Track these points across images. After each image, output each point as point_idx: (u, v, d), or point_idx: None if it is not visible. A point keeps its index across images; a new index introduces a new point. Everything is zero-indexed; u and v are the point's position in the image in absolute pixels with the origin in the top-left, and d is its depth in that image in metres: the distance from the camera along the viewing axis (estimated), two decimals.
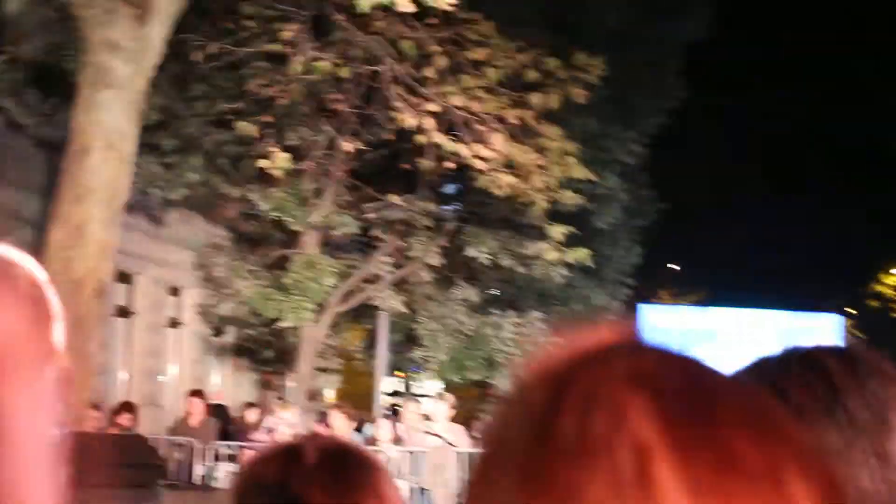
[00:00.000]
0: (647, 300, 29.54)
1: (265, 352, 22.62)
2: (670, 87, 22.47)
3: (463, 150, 13.52)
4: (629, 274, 25.93)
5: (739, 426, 0.70)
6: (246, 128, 14.49)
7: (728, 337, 28.03)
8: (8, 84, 15.61)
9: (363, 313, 21.75)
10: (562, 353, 0.75)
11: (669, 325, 28.52)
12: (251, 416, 16.90)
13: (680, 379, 0.73)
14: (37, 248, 13.61)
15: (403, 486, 12.96)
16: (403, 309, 20.36)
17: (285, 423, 14.31)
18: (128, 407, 15.29)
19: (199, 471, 14.42)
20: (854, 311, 32.63)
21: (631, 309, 27.68)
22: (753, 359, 1.45)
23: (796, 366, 1.36)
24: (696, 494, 0.67)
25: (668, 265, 34.03)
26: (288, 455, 1.59)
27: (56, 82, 14.97)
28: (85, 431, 11.36)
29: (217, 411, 17.99)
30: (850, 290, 32.12)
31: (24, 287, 1.33)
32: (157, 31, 11.48)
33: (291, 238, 18.90)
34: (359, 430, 16.75)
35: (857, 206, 31.77)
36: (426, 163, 14.30)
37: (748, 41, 30.63)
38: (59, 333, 1.37)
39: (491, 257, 19.42)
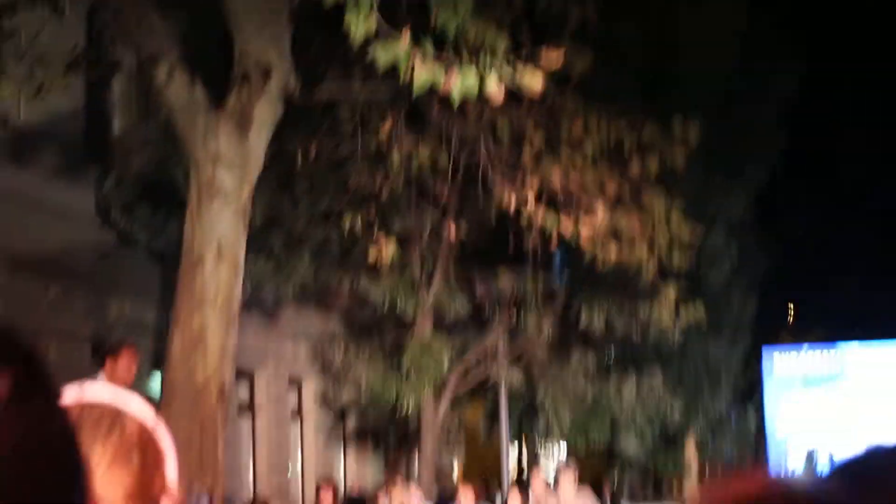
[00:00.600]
0: (769, 345, 29.05)
1: (389, 435, 22.70)
2: (770, 141, 22.28)
3: (566, 224, 13.50)
4: (747, 324, 25.55)
5: None
6: (350, 221, 14.65)
7: (856, 374, 27.46)
8: (119, 200, 16.02)
9: (482, 389, 21.74)
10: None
11: (795, 369, 28.03)
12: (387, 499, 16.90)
13: None
14: (157, 357, 13.90)
15: None
16: (521, 381, 20.31)
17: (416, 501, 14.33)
18: (261, 502, 15.40)
19: None
20: None
21: (754, 356, 27.27)
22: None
23: None
24: None
25: (788, 307, 33.50)
26: None
27: (164, 196, 15.33)
28: None
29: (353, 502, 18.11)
30: None
31: (134, 433, 1.38)
32: (259, 141, 11.70)
33: (405, 323, 19.01)
34: (489, 501, 16.75)
35: None
36: (531, 239, 14.30)
37: (843, 87, 30.30)
38: (171, 470, 1.41)
39: (605, 324, 19.31)
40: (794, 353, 28.83)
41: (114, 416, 1.35)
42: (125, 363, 9.05)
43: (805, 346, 29.15)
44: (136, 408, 1.43)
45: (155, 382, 15.29)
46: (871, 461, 1.38)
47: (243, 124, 11.52)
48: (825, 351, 28.67)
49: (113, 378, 8.88)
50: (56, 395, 0.92)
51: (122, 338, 9.67)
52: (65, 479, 0.89)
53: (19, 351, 0.90)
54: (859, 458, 1.38)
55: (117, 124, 16.78)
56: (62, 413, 0.92)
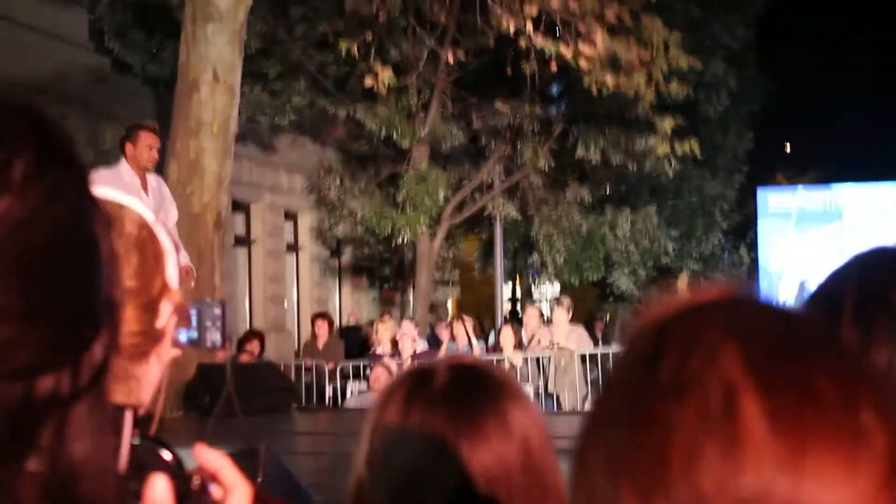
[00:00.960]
0: (764, 184, 29.07)
1: (383, 269, 22.86)
2: None
3: (564, 50, 13.37)
4: (743, 160, 25.52)
5: (820, 366, 0.79)
6: (347, 46, 14.49)
7: (854, 214, 27.54)
8: (112, 24, 15.83)
9: (478, 223, 21.82)
10: (668, 306, 0.86)
11: (790, 209, 28.11)
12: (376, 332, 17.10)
13: (768, 327, 0.83)
14: None
15: (529, 390, 13.08)
16: (517, 215, 20.38)
17: (408, 337, 14.45)
18: (255, 335, 15.59)
19: (328, 391, 14.68)
20: None
21: (748, 194, 27.32)
22: (854, 255, 1.42)
23: None
24: (777, 423, 0.76)
25: (784, 146, 33.45)
26: (414, 381, 1.61)
27: (159, 20, 15.13)
28: (217, 362, 11.64)
29: (348, 332, 18.32)
30: None
31: (133, 233, 1.36)
32: None
33: (401, 154, 18.97)
34: (483, 336, 16.92)
35: None
36: (529, 66, 14.17)
37: None
38: (171, 270, 1.40)
39: (601, 156, 19.29)
40: (788, 193, 28.85)
41: (113, 212, 1.32)
42: (145, 144, 9.07)
43: (800, 187, 29.16)
44: (136, 206, 1.41)
45: None
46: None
47: None
48: (820, 191, 28.69)
49: (135, 162, 9.03)
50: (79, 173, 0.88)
51: (138, 122, 9.52)
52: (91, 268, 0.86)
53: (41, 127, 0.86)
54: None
55: None
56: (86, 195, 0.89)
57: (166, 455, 1.35)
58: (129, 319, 1.30)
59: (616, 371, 0.87)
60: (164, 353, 1.37)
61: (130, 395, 1.33)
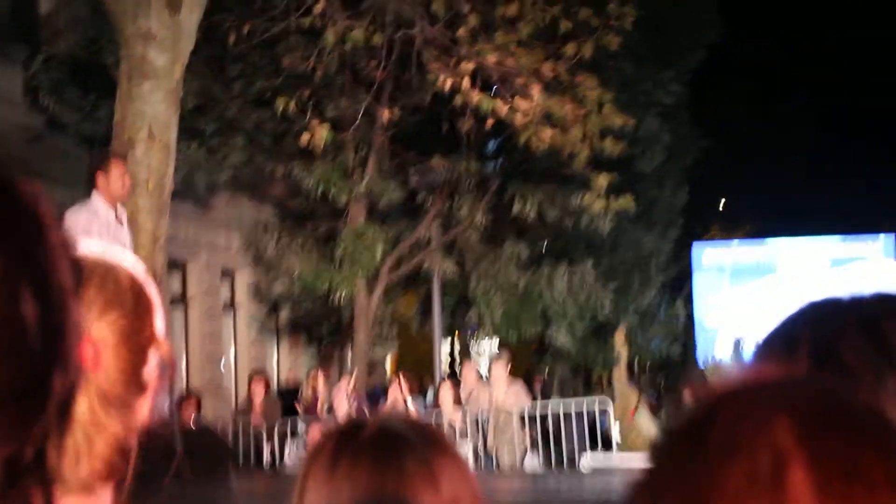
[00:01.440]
0: (699, 238, 29.37)
1: (322, 327, 22.75)
2: (706, 24, 22.23)
3: (500, 106, 13.48)
4: (678, 214, 25.76)
5: (867, 442, 0.81)
6: (284, 104, 14.52)
7: (787, 267, 27.88)
8: (47, 82, 15.73)
9: (415, 279, 21.81)
10: (722, 385, 0.90)
11: (725, 264, 28.41)
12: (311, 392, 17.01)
13: (822, 402, 0.85)
14: None
15: (467, 448, 13.01)
16: (455, 271, 20.40)
17: (343, 396, 14.40)
18: (191, 396, 15.43)
19: (266, 453, 14.52)
20: None
21: (684, 248, 27.58)
22: (807, 304, 1.42)
23: (852, 327, 1.32)
24: (824, 495, 0.78)
25: (719, 201, 33.85)
26: (342, 435, 1.60)
27: (94, 78, 15.06)
28: (152, 425, 11.48)
29: (286, 392, 18.19)
30: None
31: (126, 283, 1.37)
32: (190, 18, 11.53)
33: (339, 211, 18.95)
34: (422, 393, 16.87)
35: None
36: (466, 123, 14.27)
37: None
38: (160, 323, 1.41)
39: (538, 212, 19.40)
40: (723, 247, 29.19)
41: (108, 266, 1.32)
42: (117, 175, 9.00)
43: (735, 241, 29.52)
44: (128, 260, 1.42)
45: None
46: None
47: (175, 1, 11.33)
48: (754, 245, 29.05)
49: (108, 193, 8.94)
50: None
51: (108, 151, 9.75)
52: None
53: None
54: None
55: (45, 2, 16.41)
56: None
57: None
58: (116, 368, 1.30)
59: (668, 436, 0.89)
60: (145, 408, 1.37)
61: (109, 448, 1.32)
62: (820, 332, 1.34)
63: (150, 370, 1.36)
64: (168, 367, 1.35)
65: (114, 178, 8.86)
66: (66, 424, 0.89)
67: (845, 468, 0.79)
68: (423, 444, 1.59)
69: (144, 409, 1.34)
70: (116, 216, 8.90)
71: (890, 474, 0.79)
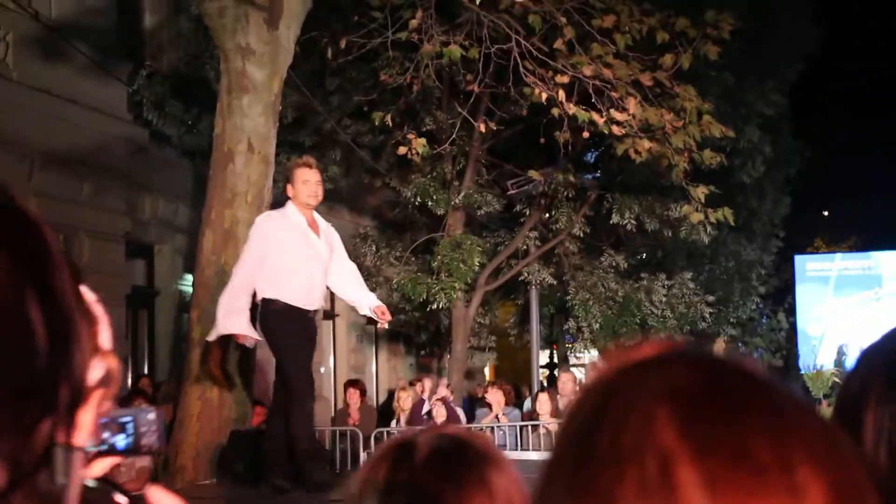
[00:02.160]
0: (801, 250, 28.97)
1: (420, 336, 22.86)
2: (805, 33, 21.92)
3: (597, 118, 13.42)
4: (779, 226, 25.44)
5: (754, 424, 0.79)
6: (381, 117, 14.64)
7: (892, 279, 27.35)
8: (151, 96, 16.07)
9: (513, 289, 21.83)
10: (609, 367, 0.89)
11: (828, 277, 27.95)
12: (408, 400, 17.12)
13: (703, 386, 0.83)
14: (190, 255, 14.03)
15: None
16: (552, 281, 20.38)
17: (442, 402, 14.46)
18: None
19: (363, 459, 14.64)
20: None
21: (786, 260, 27.22)
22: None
23: None
24: (714, 491, 0.76)
25: (821, 211, 33.33)
26: (399, 452, 1.62)
27: (196, 92, 15.34)
28: (250, 429, 11.66)
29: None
30: None
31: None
32: (288, 33, 11.69)
33: (436, 221, 19.05)
34: (519, 403, 16.85)
35: None
36: (562, 134, 14.23)
37: None
38: (105, 334, 1.46)
39: (636, 222, 19.33)
40: (826, 261, 28.73)
41: None
42: (300, 181, 8.79)
43: (838, 254, 29.04)
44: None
45: (188, 281, 15.46)
46: None
47: (273, 17, 11.50)
48: (859, 259, 28.54)
49: (297, 200, 8.80)
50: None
51: (296, 159, 9.44)
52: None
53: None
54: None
55: (148, 19, 16.76)
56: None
57: (121, 499, 1.37)
58: None
59: (560, 440, 0.88)
60: (87, 418, 1.41)
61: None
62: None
63: (93, 380, 1.40)
64: (112, 379, 1.38)
65: (297, 184, 8.75)
66: (74, 427, 0.95)
67: (732, 455, 0.77)
68: (476, 458, 1.61)
69: (87, 419, 1.38)
70: (311, 224, 8.74)
71: (780, 454, 0.78)
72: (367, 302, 9.16)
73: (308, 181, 8.69)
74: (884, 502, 0.81)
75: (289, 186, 8.79)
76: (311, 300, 8.63)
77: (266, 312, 8.67)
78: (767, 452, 0.78)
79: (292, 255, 8.56)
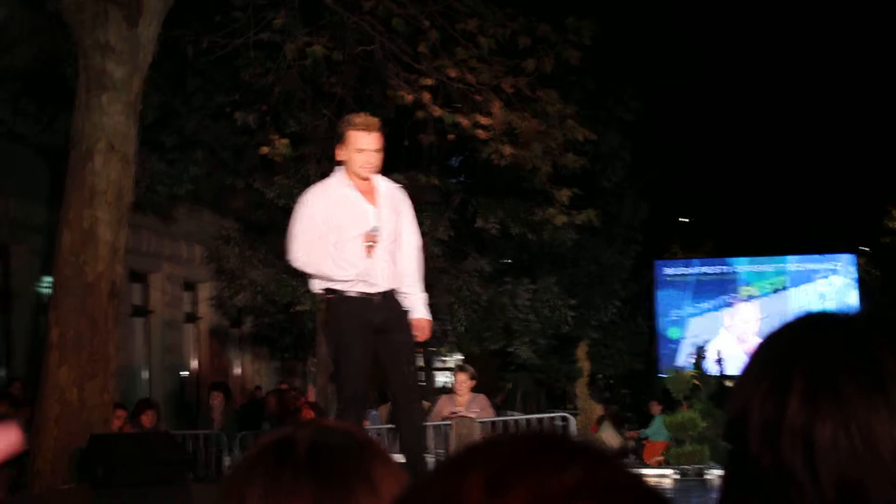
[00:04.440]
0: (659, 255, 29.52)
1: (284, 338, 22.73)
2: (665, 42, 22.39)
3: (462, 120, 13.52)
4: (639, 231, 25.91)
5: None
6: (243, 118, 14.52)
7: (749, 286, 28.09)
8: (4, 94, 15.68)
9: None
10: None
11: (688, 277, 28.59)
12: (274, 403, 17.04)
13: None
14: (47, 255, 13.73)
15: (430, 460, 13.00)
16: None
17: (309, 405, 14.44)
18: (148, 404, 15.41)
19: (227, 462, 14.54)
20: (867, 249, 32.58)
21: (645, 264, 27.72)
22: (797, 321, 1.39)
23: (851, 357, 1.30)
24: None
25: (678, 217, 34.00)
26: (279, 447, 1.57)
27: (52, 89, 15.02)
28: (111, 432, 11.48)
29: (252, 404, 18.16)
30: (861, 228, 32.03)
31: None
32: (149, 31, 11.52)
33: None
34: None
35: (860, 144, 31.54)
36: (427, 137, 14.30)
37: None
38: None
39: (500, 226, 19.47)
40: (684, 267, 29.35)
41: None
42: (353, 148, 7.14)
43: (695, 261, 29.68)
44: None
45: (45, 282, 15.14)
46: None
47: (133, 13, 11.32)
48: (715, 265, 29.23)
49: (349, 168, 7.21)
50: None
51: (349, 117, 7.41)
52: None
53: None
54: None
55: (0, 12, 16.36)
56: None
57: None
58: None
59: None
60: None
61: None
62: (816, 358, 1.31)
63: None
64: None
65: (350, 151, 7.13)
66: None
67: None
68: (360, 453, 1.58)
69: None
70: (367, 192, 7.22)
71: None
72: (409, 304, 7.44)
73: (364, 150, 7.14)
74: None
75: (340, 148, 7.22)
76: (371, 283, 7.14)
77: (327, 307, 7.41)
78: None
79: (341, 233, 7.14)
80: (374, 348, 7.15)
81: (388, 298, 7.15)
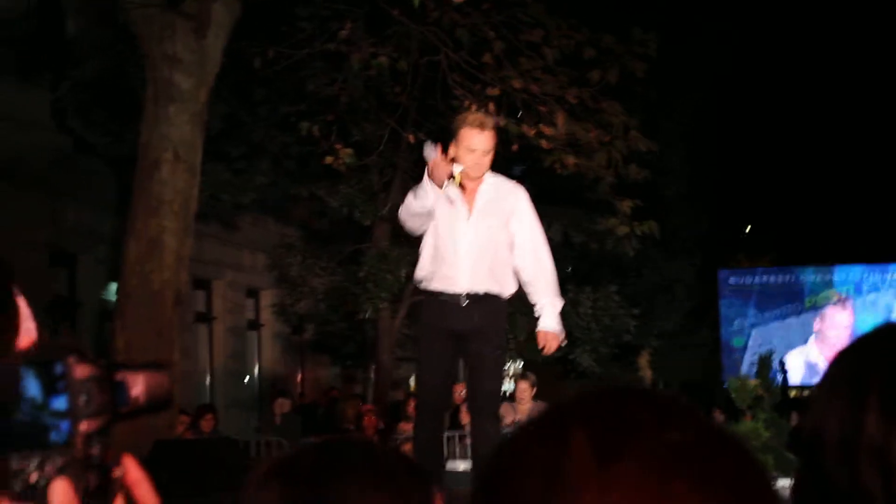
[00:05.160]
0: (723, 263, 29.32)
1: (345, 346, 22.82)
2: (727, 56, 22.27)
3: (528, 131, 13.53)
4: (701, 241, 25.76)
5: None
6: (308, 128, 14.60)
7: (815, 295, 27.84)
8: (74, 105, 15.88)
9: None
10: None
11: (752, 287, 28.38)
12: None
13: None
14: (114, 264, 13.89)
15: None
16: None
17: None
18: (208, 409, 15.51)
19: None
20: None
21: (709, 273, 27.55)
22: (875, 332, 1.35)
23: None
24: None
25: (743, 227, 33.76)
26: (282, 467, 1.57)
27: (121, 100, 15.20)
28: (175, 438, 11.58)
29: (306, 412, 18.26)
30: None
31: None
32: (216, 42, 11.63)
33: (363, 232, 19.02)
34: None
35: None
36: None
37: None
38: (30, 328, 1.45)
39: (562, 235, 19.43)
40: (748, 276, 29.13)
41: None
42: (464, 147, 6.67)
43: (760, 270, 29.45)
44: None
45: (111, 291, 15.30)
46: None
47: (201, 26, 11.43)
48: (780, 274, 28.99)
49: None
50: None
51: (464, 115, 7.10)
52: None
53: None
54: None
55: (71, 26, 16.56)
56: None
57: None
58: None
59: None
60: None
61: None
62: (892, 372, 1.26)
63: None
64: None
65: (461, 147, 6.61)
66: None
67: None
68: (373, 469, 1.55)
69: None
70: (469, 192, 6.74)
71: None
72: (538, 309, 7.16)
73: (475, 150, 6.63)
74: None
75: (452, 145, 6.71)
76: (454, 283, 6.76)
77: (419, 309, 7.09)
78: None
79: (438, 236, 6.86)
80: (460, 357, 6.90)
81: (477, 303, 6.74)
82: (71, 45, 16.13)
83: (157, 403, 1.23)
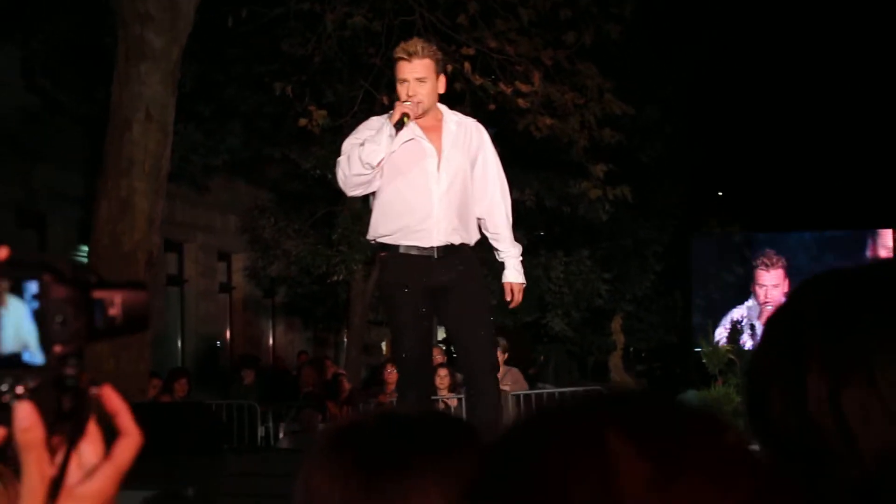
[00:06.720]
0: (696, 227, 29.40)
1: (317, 309, 22.76)
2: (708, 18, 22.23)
3: (505, 88, 13.48)
4: (676, 206, 25.78)
5: None
6: (282, 88, 14.48)
7: (789, 260, 27.95)
8: (45, 64, 15.70)
9: None
10: None
11: (723, 258, 28.46)
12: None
13: None
14: (84, 225, 13.77)
15: None
16: None
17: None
18: (181, 373, 15.45)
19: (261, 432, 14.56)
20: None
21: (682, 238, 27.61)
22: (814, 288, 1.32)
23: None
24: None
25: (717, 192, 33.85)
26: (343, 438, 1.58)
27: (92, 59, 15.03)
28: (146, 401, 11.52)
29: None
30: None
31: None
32: (188, 0, 11.50)
33: (336, 194, 18.91)
34: None
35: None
36: (463, 108, 14.22)
37: None
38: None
39: (535, 199, 19.39)
40: (722, 240, 29.21)
41: None
42: (398, 79, 6.24)
43: (735, 235, 29.54)
44: None
45: (82, 252, 15.19)
46: None
47: None
48: (753, 241, 29.09)
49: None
50: None
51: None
52: None
53: None
54: None
55: None
56: None
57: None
58: None
59: None
60: None
61: None
62: (831, 322, 1.22)
63: None
64: None
65: (397, 84, 6.20)
66: None
67: None
68: (431, 434, 1.58)
69: None
70: (430, 126, 6.24)
71: None
72: (502, 258, 6.79)
73: (406, 80, 6.09)
74: None
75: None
76: (427, 236, 6.21)
77: (379, 265, 6.51)
78: None
79: (400, 178, 6.24)
80: (434, 314, 6.36)
81: (451, 256, 6.24)
82: (42, 3, 15.94)
83: (134, 323, 1.18)
